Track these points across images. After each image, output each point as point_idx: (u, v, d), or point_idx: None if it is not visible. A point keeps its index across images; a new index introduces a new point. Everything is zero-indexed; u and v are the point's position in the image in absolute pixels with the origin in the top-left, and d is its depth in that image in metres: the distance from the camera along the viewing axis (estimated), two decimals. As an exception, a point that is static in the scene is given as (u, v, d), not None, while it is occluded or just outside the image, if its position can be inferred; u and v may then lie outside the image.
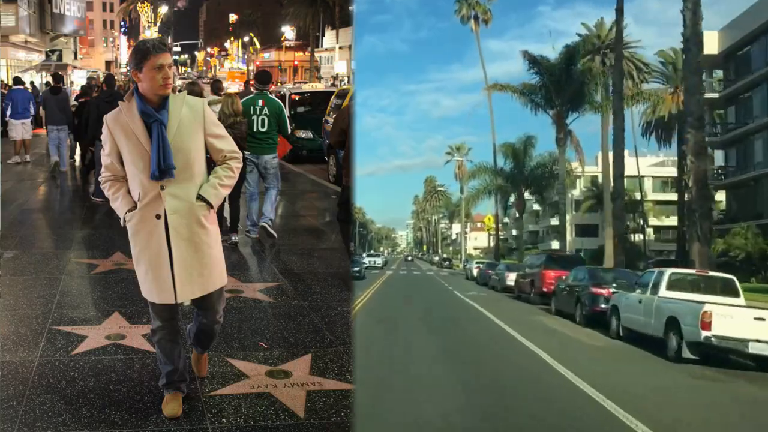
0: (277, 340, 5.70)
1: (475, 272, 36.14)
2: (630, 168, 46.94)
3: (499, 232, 53.34)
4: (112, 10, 73.51)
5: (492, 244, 79.01)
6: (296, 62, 73.04)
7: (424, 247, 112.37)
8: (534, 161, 43.06)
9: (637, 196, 50.43)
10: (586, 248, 53.84)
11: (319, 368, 5.12)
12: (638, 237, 51.47)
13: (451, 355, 10.11)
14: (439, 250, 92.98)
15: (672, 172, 52.76)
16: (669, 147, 45.41)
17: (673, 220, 52.65)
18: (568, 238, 58.85)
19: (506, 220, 68.87)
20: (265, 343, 5.59)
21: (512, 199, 46.51)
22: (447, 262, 69.31)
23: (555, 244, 60.53)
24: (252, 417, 4.34)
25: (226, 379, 4.88)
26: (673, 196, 52.75)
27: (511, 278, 25.40)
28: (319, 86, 33.06)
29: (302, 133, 18.09)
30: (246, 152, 8.87)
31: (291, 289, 7.24)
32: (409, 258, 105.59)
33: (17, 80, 19.18)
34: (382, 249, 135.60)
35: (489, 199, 47.67)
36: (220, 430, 4.19)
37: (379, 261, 54.37)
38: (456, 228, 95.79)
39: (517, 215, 47.47)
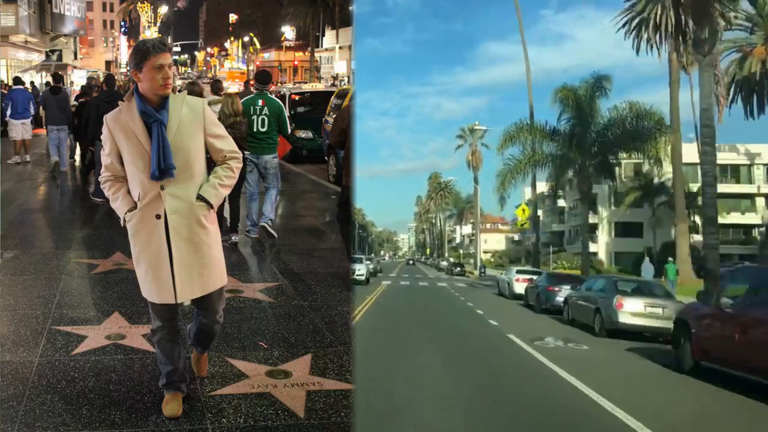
0: (277, 340, 5.70)
1: (517, 288, 23.89)
2: (688, 155, 34.02)
3: (511, 232, 43.93)
4: (112, 10, 73.46)
5: (508, 246, 71.30)
6: (296, 62, 73.02)
7: (428, 251, 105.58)
8: (604, 118, 28.81)
9: (693, 188, 38.75)
10: (627, 251, 43.88)
11: (319, 368, 5.12)
12: (694, 237, 39.12)
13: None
14: (446, 254, 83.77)
15: (731, 158, 44.68)
16: (760, 113, 32.29)
17: (735, 217, 44.33)
18: (605, 239, 49.17)
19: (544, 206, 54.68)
20: (265, 343, 5.59)
21: (570, 174, 31.09)
22: (458, 268, 53.76)
23: (590, 248, 51.29)
24: (252, 417, 4.34)
25: (226, 379, 4.88)
26: (738, 188, 44.88)
27: (631, 308, 13.27)
28: (319, 86, 33.07)
29: (302, 133, 18.10)
30: (246, 152, 8.87)
31: (291, 289, 7.24)
32: (411, 262, 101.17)
33: (17, 80, 19.18)
34: (383, 252, 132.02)
35: (522, 183, 33.48)
36: (220, 430, 4.19)
37: (362, 270, 27.36)
38: (464, 229, 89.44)
39: (578, 199, 32.88)
